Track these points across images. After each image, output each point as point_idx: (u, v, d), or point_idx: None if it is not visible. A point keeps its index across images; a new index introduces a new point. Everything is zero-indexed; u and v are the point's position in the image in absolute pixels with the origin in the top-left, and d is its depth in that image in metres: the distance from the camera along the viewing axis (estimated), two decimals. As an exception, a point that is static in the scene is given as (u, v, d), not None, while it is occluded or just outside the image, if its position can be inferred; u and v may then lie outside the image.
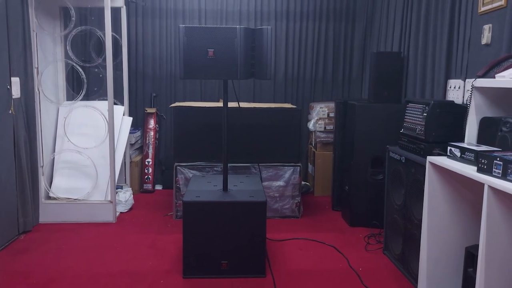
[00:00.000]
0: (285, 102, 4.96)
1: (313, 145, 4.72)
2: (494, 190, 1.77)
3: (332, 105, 4.58)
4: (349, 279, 2.82)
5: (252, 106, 3.97)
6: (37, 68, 3.65)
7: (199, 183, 3.15)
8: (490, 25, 2.59)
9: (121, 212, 4.04)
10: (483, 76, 2.49)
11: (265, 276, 2.82)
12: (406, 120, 2.90)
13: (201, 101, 4.94)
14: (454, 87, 2.93)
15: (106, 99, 3.80)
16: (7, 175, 3.24)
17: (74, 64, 4.01)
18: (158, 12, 4.83)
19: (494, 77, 2.20)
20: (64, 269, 2.89)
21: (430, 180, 2.34)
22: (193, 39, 2.63)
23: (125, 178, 4.57)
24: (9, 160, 3.27)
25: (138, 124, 4.94)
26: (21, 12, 3.40)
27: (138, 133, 4.84)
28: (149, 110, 4.89)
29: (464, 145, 2.18)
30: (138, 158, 4.78)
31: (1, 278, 2.73)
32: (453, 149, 2.23)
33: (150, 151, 4.86)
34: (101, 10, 3.75)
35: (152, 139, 4.87)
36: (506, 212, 1.80)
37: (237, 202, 2.78)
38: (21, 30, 3.40)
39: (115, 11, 4.48)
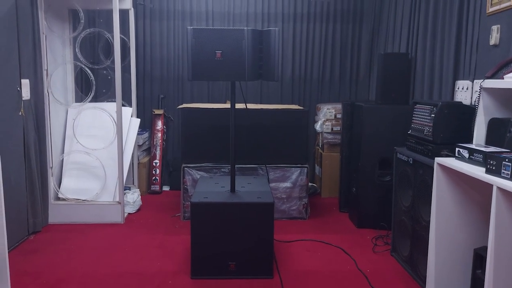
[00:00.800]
0: (292, 104, 4.97)
1: (320, 146, 4.72)
2: (503, 191, 1.77)
3: (339, 106, 4.58)
4: (356, 281, 2.81)
5: (260, 108, 3.98)
6: (47, 70, 3.69)
7: (207, 184, 3.16)
8: (499, 25, 2.58)
9: (129, 213, 4.06)
10: (492, 77, 2.49)
11: (272, 277, 2.83)
12: (414, 121, 2.90)
13: (208, 102, 4.96)
14: (462, 88, 2.92)
15: (115, 101, 3.83)
16: (17, 176, 3.28)
17: (83, 66, 4.05)
18: (165, 14, 4.86)
19: (503, 78, 2.19)
20: (73, 269, 2.91)
21: (438, 182, 2.34)
22: (201, 41, 2.64)
23: (133, 179, 4.60)
24: (19, 161, 3.31)
25: (146, 126, 4.97)
26: (30, 15, 3.44)
27: (146, 135, 4.87)
28: (157, 112, 4.92)
29: (473, 146, 2.17)
30: (146, 159, 4.81)
31: (12, 278, 2.75)
32: (461, 150, 2.22)
33: (158, 153, 4.89)
34: (110, 12, 3.79)
35: (160, 141, 4.90)
36: (515, 213, 1.80)
37: (244, 203, 2.79)
38: (31, 33, 3.44)
39: (123, 13, 4.51)
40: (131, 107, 4.55)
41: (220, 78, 2.71)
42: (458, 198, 2.34)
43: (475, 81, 2.79)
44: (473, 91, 2.79)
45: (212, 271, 2.80)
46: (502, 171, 1.82)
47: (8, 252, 2.86)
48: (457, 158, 2.25)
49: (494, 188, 1.79)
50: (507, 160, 1.80)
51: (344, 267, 3.01)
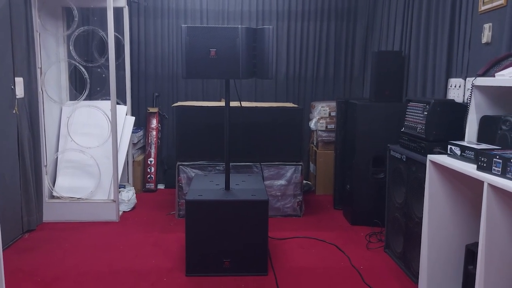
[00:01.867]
0: (286, 102, 4.98)
1: (315, 144, 4.74)
2: (494, 188, 1.79)
3: (333, 104, 4.59)
4: (350, 277, 2.83)
5: (254, 106, 3.99)
6: (41, 68, 3.68)
7: (202, 182, 3.17)
8: (490, 24, 2.61)
9: (124, 211, 4.06)
10: (483, 74, 2.51)
11: (267, 274, 2.84)
12: (407, 119, 2.92)
13: (203, 100, 4.96)
14: (455, 86, 2.95)
15: (109, 99, 3.83)
16: (11, 174, 3.27)
17: (77, 64, 4.04)
18: (160, 12, 4.85)
19: (494, 76, 2.21)
20: (69, 267, 2.91)
21: (431, 179, 2.36)
22: (195, 39, 2.65)
23: (128, 178, 4.60)
24: (13, 159, 3.30)
25: (141, 124, 4.97)
26: (24, 13, 3.42)
27: (141, 133, 4.86)
28: (152, 110, 4.91)
29: (464, 143, 2.19)
30: (141, 157, 4.81)
31: (7, 276, 2.75)
32: (453, 147, 2.24)
33: (153, 151, 4.89)
34: (104, 10, 3.78)
35: (155, 139, 4.89)
36: (506, 209, 1.82)
37: (239, 201, 2.80)
38: (25, 31, 3.43)
39: (118, 11, 4.50)
40: (126, 105, 4.55)
41: (214, 76, 2.72)
42: (450, 194, 2.37)
43: (467, 79, 2.82)
44: (466, 89, 2.82)
45: (207, 268, 2.81)
46: (493, 167, 1.85)
47: (3, 250, 2.85)
48: (449, 155, 2.27)
49: (485, 185, 1.81)
50: (497, 157, 1.82)
51: (338, 264, 3.03)
